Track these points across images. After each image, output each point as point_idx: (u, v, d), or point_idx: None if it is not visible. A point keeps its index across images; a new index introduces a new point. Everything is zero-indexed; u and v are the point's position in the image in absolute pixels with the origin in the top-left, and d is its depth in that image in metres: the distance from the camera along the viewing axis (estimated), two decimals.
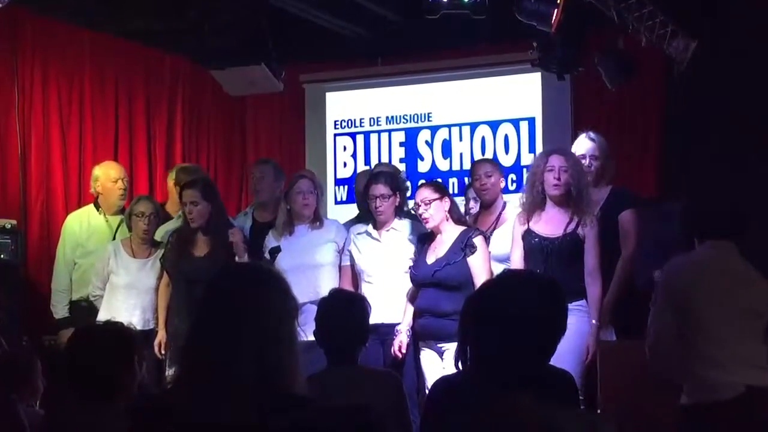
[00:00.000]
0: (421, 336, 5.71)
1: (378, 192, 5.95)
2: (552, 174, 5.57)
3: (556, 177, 5.57)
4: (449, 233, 5.72)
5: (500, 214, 6.19)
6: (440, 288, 5.56)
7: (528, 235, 5.62)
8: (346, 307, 4.09)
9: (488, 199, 6.23)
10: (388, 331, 5.73)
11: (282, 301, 2.44)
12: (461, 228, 5.75)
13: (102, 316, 6.05)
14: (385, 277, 5.91)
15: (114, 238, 6.65)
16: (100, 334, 3.42)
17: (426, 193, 5.71)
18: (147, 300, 6.30)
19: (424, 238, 5.84)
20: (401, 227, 6.00)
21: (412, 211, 6.15)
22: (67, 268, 6.70)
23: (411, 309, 5.78)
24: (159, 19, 7.27)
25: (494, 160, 6.85)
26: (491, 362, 2.51)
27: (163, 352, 6.03)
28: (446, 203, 5.72)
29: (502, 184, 6.31)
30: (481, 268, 5.56)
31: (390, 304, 5.80)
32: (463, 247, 5.61)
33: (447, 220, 5.73)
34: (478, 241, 5.65)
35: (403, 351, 5.70)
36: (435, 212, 5.67)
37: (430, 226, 5.71)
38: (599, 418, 3.26)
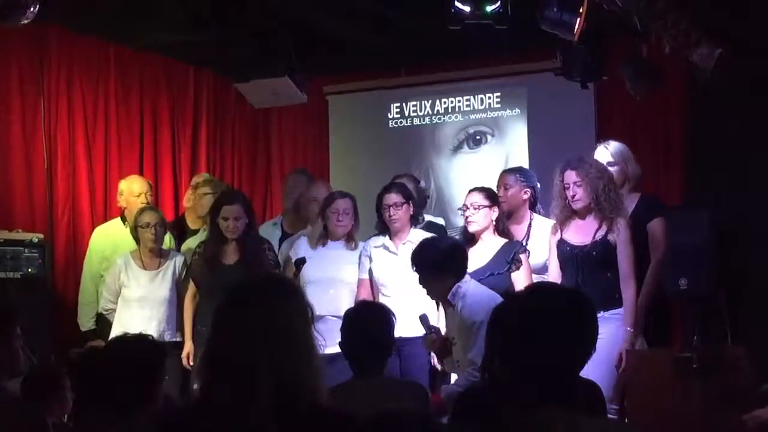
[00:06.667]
0: None
1: (390, 201, 5.93)
2: (568, 191, 5.58)
3: (571, 194, 5.57)
4: (491, 243, 5.65)
5: (530, 225, 6.10)
6: None
7: (561, 245, 5.63)
8: (372, 318, 4.11)
9: (504, 209, 5.99)
10: (404, 344, 5.61)
11: (296, 310, 2.43)
12: (503, 240, 5.66)
13: (116, 330, 6.05)
14: (402, 291, 5.84)
15: None
16: (130, 346, 3.43)
17: (477, 198, 5.66)
18: (162, 311, 6.30)
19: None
20: (417, 239, 5.91)
21: (422, 220, 6.11)
22: (94, 280, 6.72)
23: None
24: (182, 32, 7.29)
25: (523, 170, 6.52)
26: (518, 374, 2.50)
27: (191, 363, 6.04)
28: (495, 212, 5.66)
29: (526, 196, 6.11)
30: (522, 285, 5.36)
31: (407, 317, 5.69)
32: (510, 260, 5.53)
33: (492, 231, 5.67)
34: (523, 257, 5.58)
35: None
36: (481, 219, 5.62)
37: (471, 230, 5.65)
38: (625, 427, 3.25)
